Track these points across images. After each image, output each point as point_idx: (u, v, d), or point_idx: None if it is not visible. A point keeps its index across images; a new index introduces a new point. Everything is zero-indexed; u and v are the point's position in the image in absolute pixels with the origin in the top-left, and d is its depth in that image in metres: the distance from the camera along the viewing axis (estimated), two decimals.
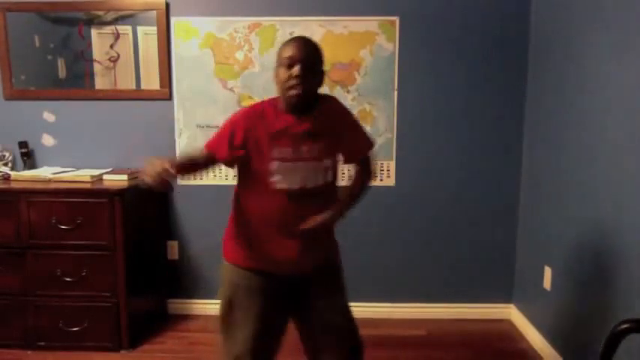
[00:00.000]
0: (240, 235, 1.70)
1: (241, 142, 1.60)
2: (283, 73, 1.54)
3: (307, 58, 1.53)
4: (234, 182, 1.73)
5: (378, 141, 2.90)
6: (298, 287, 1.69)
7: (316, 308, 1.70)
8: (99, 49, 2.90)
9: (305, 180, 1.60)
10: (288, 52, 1.53)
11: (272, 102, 1.64)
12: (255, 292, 1.66)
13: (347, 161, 1.75)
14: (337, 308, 1.72)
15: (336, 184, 1.73)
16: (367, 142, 1.76)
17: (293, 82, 1.51)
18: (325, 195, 1.66)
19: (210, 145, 1.67)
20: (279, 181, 1.59)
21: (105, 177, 2.74)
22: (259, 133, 1.59)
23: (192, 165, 1.70)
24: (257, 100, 2.82)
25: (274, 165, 1.58)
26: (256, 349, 1.66)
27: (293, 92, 1.53)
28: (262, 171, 1.60)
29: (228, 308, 1.68)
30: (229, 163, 1.70)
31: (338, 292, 1.75)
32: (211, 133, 1.73)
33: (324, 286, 1.72)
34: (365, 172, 1.78)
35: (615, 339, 1.22)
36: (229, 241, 1.74)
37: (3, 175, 2.77)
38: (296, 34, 2.85)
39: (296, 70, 1.51)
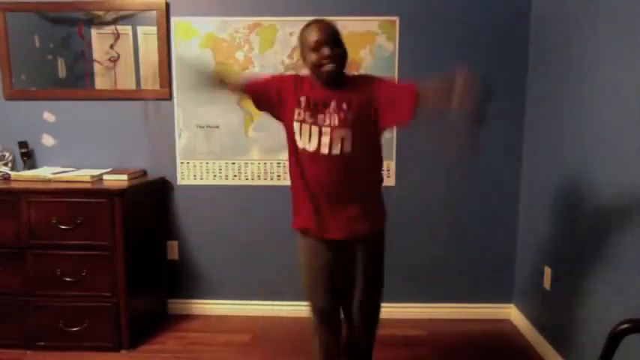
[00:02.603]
0: (295, 200, 1.96)
1: (276, 91, 1.87)
2: (314, 56, 1.73)
3: (331, 38, 1.73)
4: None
5: None
6: (344, 252, 1.90)
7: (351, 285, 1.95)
8: (99, 49, 2.90)
9: (320, 145, 1.77)
10: (313, 36, 1.72)
11: (310, 77, 1.84)
12: (311, 251, 1.93)
13: (398, 118, 1.75)
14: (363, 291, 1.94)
15: (368, 159, 1.86)
16: (407, 88, 1.70)
17: (326, 61, 1.71)
18: (351, 165, 1.79)
19: (250, 79, 1.98)
20: (298, 140, 1.82)
21: (105, 177, 2.74)
22: (290, 93, 1.84)
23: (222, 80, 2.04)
24: None
25: (295, 125, 1.82)
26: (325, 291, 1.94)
27: (328, 68, 1.72)
28: (288, 130, 1.87)
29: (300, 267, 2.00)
30: (255, 98, 1.95)
31: (369, 272, 1.94)
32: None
33: (359, 262, 1.91)
34: None
35: (615, 339, 1.22)
36: (293, 208, 1.98)
37: (3, 175, 2.77)
38: (296, 35, 2.88)
39: (326, 50, 1.71)
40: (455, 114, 1.45)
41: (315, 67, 1.74)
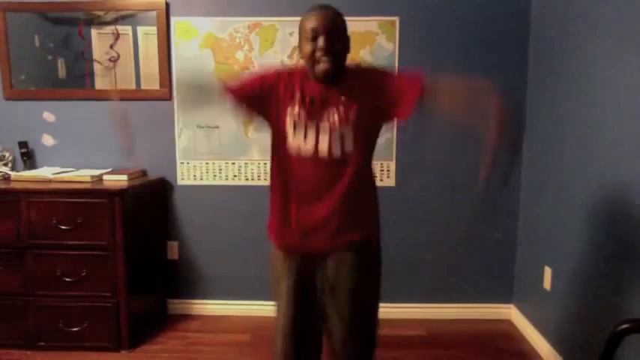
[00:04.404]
0: (273, 207, 1.68)
1: (259, 90, 1.60)
2: (308, 47, 1.51)
3: (330, 27, 1.50)
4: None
5: (378, 141, 2.89)
6: (323, 266, 1.61)
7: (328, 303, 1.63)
8: (99, 49, 2.90)
9: (318, 145, 1.55)
10: (310, 23, 1.50)
11: (304, 70, 1.61)
12: (285, 273, 1.63)
13: (405, 110, 1.56)
14: (345, 309, 1.62)
15: (365, 160, 1.64)
16: (413, 83, 1.56)
17: (320, 54, 1.50)
18: (349, 167, 1.57)
19: (229, 82, 1.66)
20: (292, 143, 1.58)
21: (105, 177, 2.74)
22: (281, 91, 1.59)
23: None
24: None
25: (288, 126, 1.57)
26: (292, 331, 1.65)
27: (321, 66, 1.51)
28: (278, 131, 1.60)
29: (272, 288, 1.71)
30: (239, 103, 1.64)
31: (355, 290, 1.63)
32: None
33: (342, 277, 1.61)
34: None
35: (615, 339, 1.22)
36: (269, 217, 1.71)
37: (3, 175, 2.77)
38: (296, 35, 2.88)
39: (321, 42, 1.49)
40: (488, 147, 1.43)
41: (309, 60, 1.53)
